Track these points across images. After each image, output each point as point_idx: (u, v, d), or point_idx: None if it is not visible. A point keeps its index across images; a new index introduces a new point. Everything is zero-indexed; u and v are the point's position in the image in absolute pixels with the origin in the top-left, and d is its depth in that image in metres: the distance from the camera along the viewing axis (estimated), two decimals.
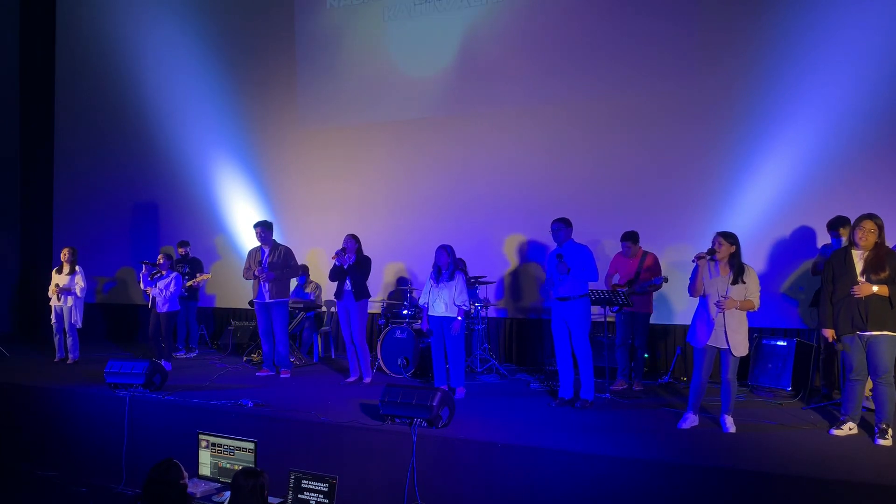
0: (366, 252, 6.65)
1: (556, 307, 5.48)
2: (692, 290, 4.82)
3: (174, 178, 9.76)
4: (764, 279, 6.60)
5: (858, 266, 4.45)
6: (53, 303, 7.65)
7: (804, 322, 6.36)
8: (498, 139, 7.81)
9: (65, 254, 7.70)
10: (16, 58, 11.01)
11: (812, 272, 5.86)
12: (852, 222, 4.64)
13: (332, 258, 6.47)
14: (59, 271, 7.69)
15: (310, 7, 8.94)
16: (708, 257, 4.71)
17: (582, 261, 5.36)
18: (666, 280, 6.14)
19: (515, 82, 7.71)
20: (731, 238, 4.67)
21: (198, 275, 8.19)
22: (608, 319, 6.13)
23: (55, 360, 7.62)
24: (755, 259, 6.61)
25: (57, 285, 7.59)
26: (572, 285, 5.37)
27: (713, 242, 4.71)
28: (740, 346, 4.62)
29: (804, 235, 6.42)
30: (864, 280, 4.40)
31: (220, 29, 9.54)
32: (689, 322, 4.94)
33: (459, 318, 5.75)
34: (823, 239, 6.00)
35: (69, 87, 10.71)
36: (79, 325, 7.67)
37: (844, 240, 5.27)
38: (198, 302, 8.52)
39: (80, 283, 7.64)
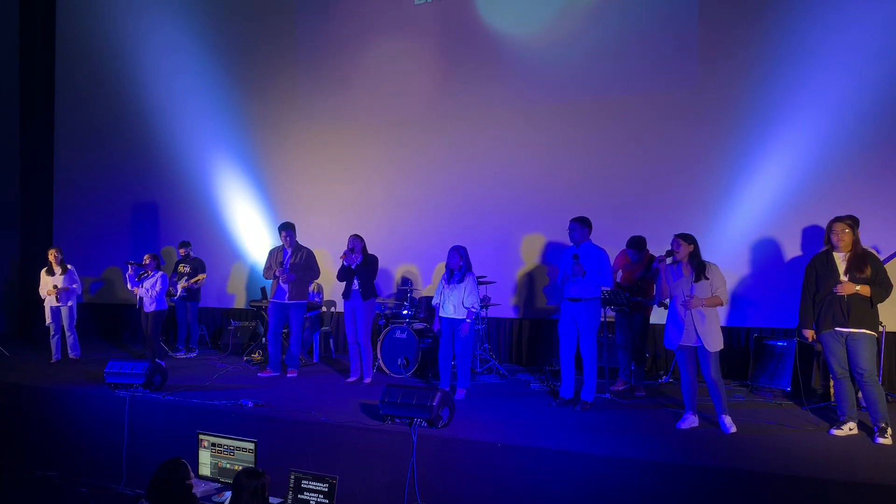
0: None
1: (567, 307, 5.48)
2: (659, 295, 4.98)
3: (174, 178, 9.76)
4: (764, 279, 6.63)
5: (841, 266, 4.57)
6: (51, 304, 7.62)
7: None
8: (498, 140, 7.81)
9: (54, 255, 7.68)
10: (16, 58, 10.99)
11: None
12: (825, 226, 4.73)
13: (341, 258, 6.49)
14: (50, 272, 7.66)
15: (311, 8, 8.94)
16: (668, 260, 4.84)
17: (597, 264, 5.35)
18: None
19: (515, 83, 7.71)
20: (688, 238, 4.79)
21: (199, 274, 8.19)
22: (607, 319, 6.11)
23: (51, 360, 7.59)
24: (754, 259, 6.63)
25: (55, 286, 7.59)
26: (585, 287, 5.37)
27: (672, 245, 4.83)
28: (713, 341, 4.67)
29: (804, 235, 6.42)
30: (846, 279, 4.51)
31: (221, 29, 9.54)
32: None
33: (468, 319, 5.76)
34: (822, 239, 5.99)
35: (69, 87, 10.71)
36: (75, 321, 7.74)
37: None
38: (198, 302, 8.52)
39: (77, 280, 7.74)
